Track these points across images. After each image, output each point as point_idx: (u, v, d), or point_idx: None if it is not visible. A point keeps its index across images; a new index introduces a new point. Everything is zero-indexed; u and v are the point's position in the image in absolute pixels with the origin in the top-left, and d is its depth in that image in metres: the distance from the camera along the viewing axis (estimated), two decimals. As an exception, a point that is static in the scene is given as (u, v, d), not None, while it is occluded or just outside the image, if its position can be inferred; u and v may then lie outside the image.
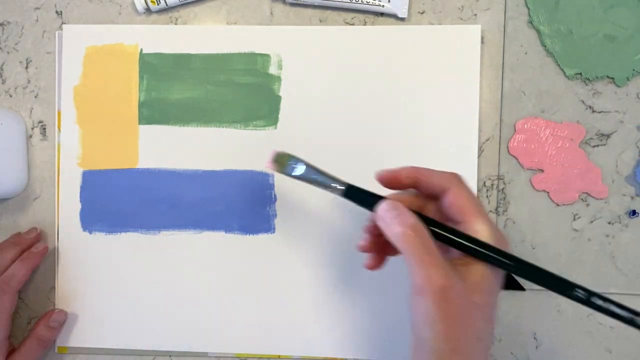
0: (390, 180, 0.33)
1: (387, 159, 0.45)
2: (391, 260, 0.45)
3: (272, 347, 0.45)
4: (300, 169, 0.35)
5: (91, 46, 0.46)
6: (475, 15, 0.45)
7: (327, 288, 0.45)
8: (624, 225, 0.44)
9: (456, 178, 0.32)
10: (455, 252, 0.32)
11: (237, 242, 0.46)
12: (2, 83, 0.48)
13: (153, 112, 0.46)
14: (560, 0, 0.44)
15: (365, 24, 0.45)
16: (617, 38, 0.44)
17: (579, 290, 0.30)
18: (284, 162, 0.35)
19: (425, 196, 0.34)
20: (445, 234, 0.31)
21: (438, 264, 0.29)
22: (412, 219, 0.31)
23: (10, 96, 0.47)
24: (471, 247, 0.31)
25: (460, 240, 0.31)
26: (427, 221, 0.31)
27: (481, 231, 0.31)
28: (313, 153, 0.45)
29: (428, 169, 0.33)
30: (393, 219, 0.31)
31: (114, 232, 0.46)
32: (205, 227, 0.46)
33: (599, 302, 0.30)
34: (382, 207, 0.32)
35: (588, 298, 0.30)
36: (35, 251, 0.45)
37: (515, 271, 0.31)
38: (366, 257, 0.35)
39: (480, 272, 0.30)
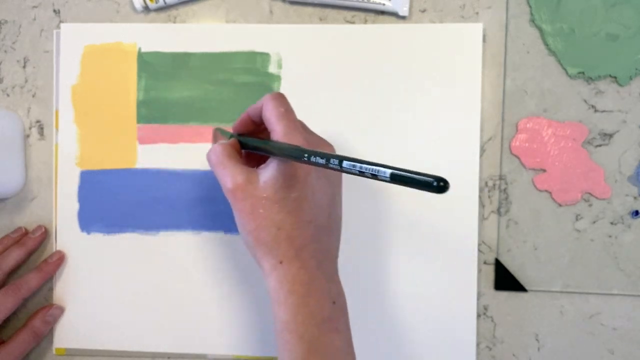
0: (240, 128, 0.38)
1: (388, 158, 0.44)
2: (391, 264, 0.45)
3: (272, 348, 0.45)
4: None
5: (89, 45, 0.46)
6: (477, 13, 0.44)
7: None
8: (627, 226, 0.44)
9: (268, 96, 0.35)
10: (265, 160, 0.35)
11: (237, 242, 0.45)
12: (0, 82, 0.47)
13: (151, 111, 0.46)
14: (563, -1, 0.44)
15: (365, 22, 0.45)
16: (619, 37, 0.43)
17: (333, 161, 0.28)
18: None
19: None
20: (247, 144, 0.36)
21: (227, 171, 0.34)
22: (218, 145, 0.36)
23: (8, 95, 0.47)
24: (259, 145, 0.35)
25: (250, 143, 0.36)
26: (242, 139, 0.37)
27: (276, 132, 0.33)
28: (313, 153, 0.45)
29: (255, 104, 0.36)
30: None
31: (112, 233, 0.46)
32: (204, 228, 0.45)
33: (347, 165, 0.27)
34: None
35: (338, 164, 0.28)
36: (50, 261, 0.45)
37: (295, 156, 0.30)
38: None
39: (270, 170, 0.33)
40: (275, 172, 0.33)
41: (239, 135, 0.38)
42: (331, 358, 0.33)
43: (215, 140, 0.42)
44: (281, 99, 0.35)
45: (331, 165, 0.28)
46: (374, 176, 0.26)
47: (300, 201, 0.33)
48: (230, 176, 0.34)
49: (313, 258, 0.34)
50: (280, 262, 0.33)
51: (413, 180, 0.24)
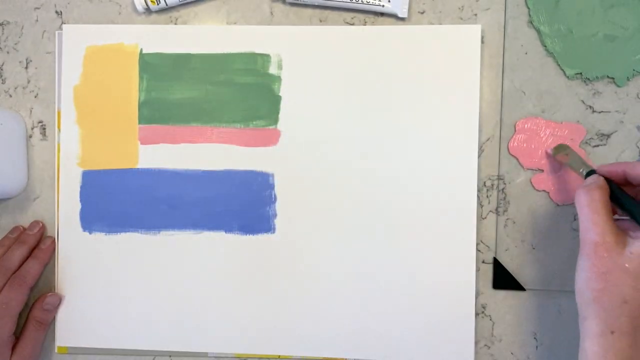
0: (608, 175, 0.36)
1: (387, 159, 0.45)
2: (390, 264, 0.45)
3: (272, 347, 0.45)
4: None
5: (91, 46, 0.46)
6: (476, 15, 0.45)
7: (327, 288, 0.45)
8: (624, 225, 0.44)
9: None
10: None
11: (237, 242, 0.46)
12: (2, 83, 0.47)
13: (153, 111, 0.46)
14: (561, 0, 0.44)
15: (365, 23, 0.45)
16: (617, 38, 0.44)
17: None
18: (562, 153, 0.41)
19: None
20: (624, 203, 0.34)
21: (599, 223, 0.32)
22: (599, 179, 0.34)
23: (10, 96, 0.47)
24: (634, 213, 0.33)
25: (628, 207, 0.34)
26: (617, 192, 0.34)
27: None
28: (313, 152, 0.45)
29: (634, 162, 0.36)
30: (586, 182, 0.35)
31: (113, 232, 0.46)
32: (205, 227, 0.46)
33: None
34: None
35: None
36: (44, 247, 0.46)
37: None
38: None
39: None
40: None
41: (617, 188, 0.35)
42: None
43: (558, 158, 0.42)
44: None
45: None
46: None
47: None
48: (600, 229, 0.33)
49: None
50: (612, 333, 0.32)
51: None
